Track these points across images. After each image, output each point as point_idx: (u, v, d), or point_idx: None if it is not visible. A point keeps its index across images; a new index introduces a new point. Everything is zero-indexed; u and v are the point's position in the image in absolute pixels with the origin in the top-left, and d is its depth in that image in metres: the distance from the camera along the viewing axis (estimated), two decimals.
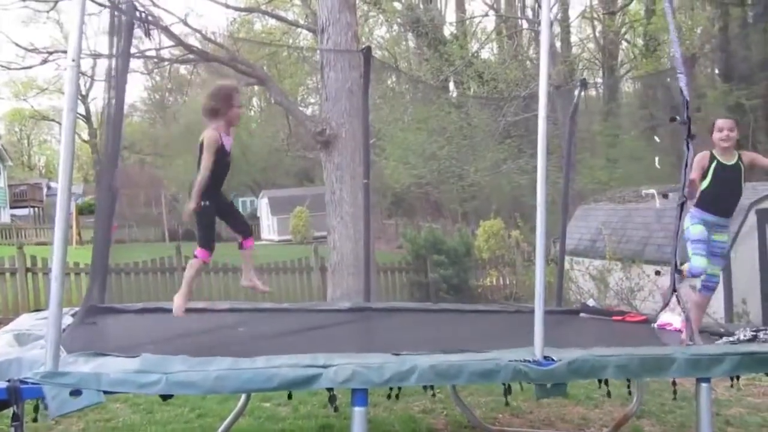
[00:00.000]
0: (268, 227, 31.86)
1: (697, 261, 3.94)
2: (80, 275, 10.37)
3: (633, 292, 9.41)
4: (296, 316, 4.72)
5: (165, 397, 2.71)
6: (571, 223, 11.42)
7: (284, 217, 29.56)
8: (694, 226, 4.01)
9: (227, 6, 13.78)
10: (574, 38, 29.08)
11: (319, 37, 9.11)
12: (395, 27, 26.34)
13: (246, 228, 4.01)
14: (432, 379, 2.71)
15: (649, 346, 3.39)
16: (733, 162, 4.01)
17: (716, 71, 20.76)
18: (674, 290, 3.81)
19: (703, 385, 3.18)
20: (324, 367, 2.59)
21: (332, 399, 2.79)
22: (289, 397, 2.85)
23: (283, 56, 31.70)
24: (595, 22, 28.67)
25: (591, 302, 5.67)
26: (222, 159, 3.66)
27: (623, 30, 27.54)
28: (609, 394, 3.65)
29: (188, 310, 3.99)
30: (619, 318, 5.01)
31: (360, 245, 8.23)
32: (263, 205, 32.52)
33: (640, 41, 27.57)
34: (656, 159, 3.95)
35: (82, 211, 29.76)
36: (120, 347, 2.79)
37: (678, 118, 3.87)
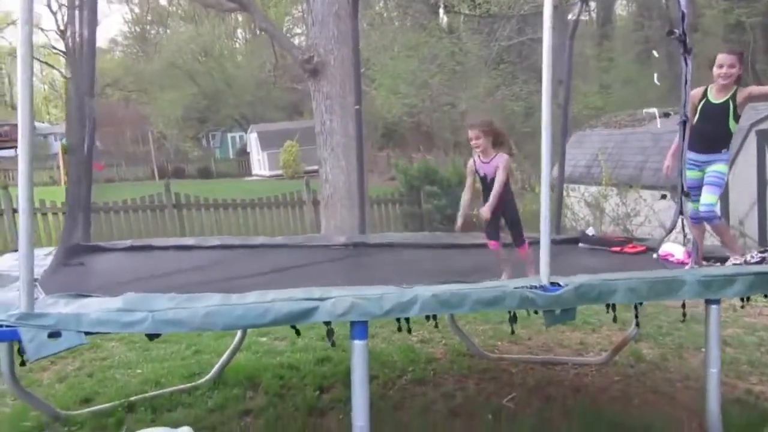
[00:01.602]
0: (259, 162, 31.47)
1: (692, 205, 3.89)
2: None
3: (629, 217, 9.33)
4: (290, 252, 4.57)
5: (152, 337, 2.58)
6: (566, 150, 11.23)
7: (274, 152, 29.15)
8: (689, 171, 3.89)
9: None
10: None
11: None
12: None
13: None
14: (434, 308, 2.57)
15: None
16: (722, 100, 3.83)
17: None
18: (681, 213, 3.67)
19: (713, 306, 3.08)
20: (320, 299, 2.45)
21: (330, 333, 2.66)
22: (297, 333, 2.69)
23: None
24: None
25: (590, 231, 5.53)
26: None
27: None
28: (615, 319, 3.56)
29: (177, 248, 3.84)
30: (618, 249, 4.91)
31: (352, 177, 8.05)
32: (253, 140, 32.02)
33: None
34: (655, 75, 3.73)
35: (67, 150, 29.19)
36: (104, 286, 2.64)
37: (676, 31, 3.65)
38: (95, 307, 2.34)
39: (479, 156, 3.67)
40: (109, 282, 3.01)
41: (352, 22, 5.06)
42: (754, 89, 3.89)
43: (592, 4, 25.09)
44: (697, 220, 3.91)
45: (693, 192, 3.90)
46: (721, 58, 3.82)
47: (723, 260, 3.82)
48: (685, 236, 3.64)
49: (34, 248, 2.29)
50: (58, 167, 25.32)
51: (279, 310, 2.40)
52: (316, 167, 9.75)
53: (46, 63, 39.90)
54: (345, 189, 8.32)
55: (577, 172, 10.77)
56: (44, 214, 10.41)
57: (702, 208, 3.79)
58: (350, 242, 4.73)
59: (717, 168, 3.84)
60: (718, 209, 3.90)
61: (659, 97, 11.81)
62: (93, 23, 4.30)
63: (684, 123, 3.73)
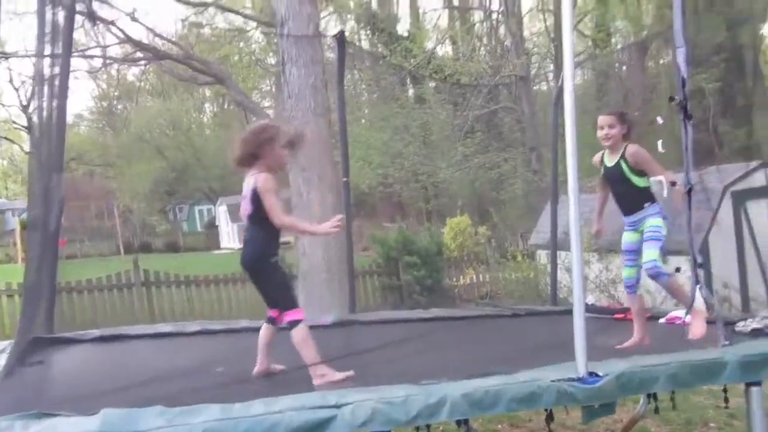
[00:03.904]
0: (228, 235, 30.98)
1: (625, 272, 3.96)
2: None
3: (614, 283, 9.18)
4: (277, 336, 4.18)
5: None
6: (543, 216, 11.16)
7: (245, 224, 28.73)
8: (626, 233, 3.96)
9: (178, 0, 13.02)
10: (525, 33, 29.12)
11: (279, 31, 8.61)
12: (350, 24, 25.88)
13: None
14: (466, 411, 2.24)
15: (688, 350, 3.01)
16: (615, 162, 3.83)
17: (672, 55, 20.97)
18: (697, 282, 3.48)
19: (754, 389, 2.82)
20: (337, 407, 2.10)
21: None
22: None
23: (234, 60, 30.94)
24: (547, 15, 28.79)
25: (590, 299, 5.32)
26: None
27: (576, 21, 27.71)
28: (657, 409, 3.26)
29: (153, 336, 3.44)
30: (621, 316, 4.68)
31: (332, 251, 7.77)
32: (221, 213, 31.61)
33: (590, 31, 27.85)
34: (659, 143, 3.65)
35: (26, 226, 28.25)
36: (74, 397, 2.22)
37: (677, 98, 3.62)
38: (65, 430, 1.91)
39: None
40: (79, 389, 2.56)
41: (338, 87, 4.90)
42: (639, 154, 3.81)
43: (550, 75, 26.04)
44: (632, 288, 3.88)
45: (630, 256, 3.89)
46: (601, 120, 3.86)
47: (734, 323, 3.63)
48: (708, 308, 3.45)
49: None
50: (15, 244, 24.39)
51: (290, 422, 2.02)
52: (288, 239, 9.45)
53: (6, 138, 39.31)
54: (324, 263, 8.00)
55: (558, 238, 10.66)
56: None
57: (646, 266, 3.71)
58: (340, 321, 4.40)
59: (651, 223, 3.79)
60: (661, 265, 3.79)
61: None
62: (63, 99, 4.04)
63: (690, 191, 3.63)
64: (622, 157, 3.79)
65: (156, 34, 9.31)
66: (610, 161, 3.87)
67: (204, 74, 8.68)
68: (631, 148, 3.80)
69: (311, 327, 4.47)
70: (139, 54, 8.17)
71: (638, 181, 3.80)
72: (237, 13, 19.05)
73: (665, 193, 3.86)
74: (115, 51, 9.89)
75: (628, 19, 24.64)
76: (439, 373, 2.53)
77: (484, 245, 13.13)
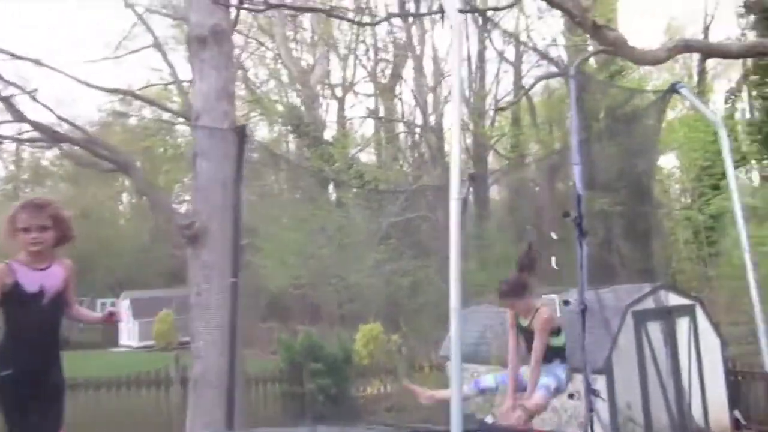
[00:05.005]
0: (128, 332, 29.13)
1: None
2: None
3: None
4: None
5: None
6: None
7: (148, 321, 27.17)
8: None
9: (93, 87, 12.73)
10: (447, 147, 30.60)
11: (193, 126, 8.48)
12: (276, 128, 26.33)
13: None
14: None
15: None
16: (526, 323, 3.90)
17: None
18: (591, 410, 3.33)
19: None
20: None
21: None
22: None
23: (159, 152, 30.61)
24: (467, 133, 30.42)
25: (489, 419, 5.08)
26: (19, 305, 2.67)
27: (493, 140, 29.37)
28: None
29: None
30: None
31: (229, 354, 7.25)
32: (123, 308, 29.88)
33: (505, 151, 29.52)
34: (553, 259, 3.62)
35: None
36: None
37: (572, 213, 3.64)
38: None
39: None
40: None
41: (235, 183, 4.70)
42: (539, 322, 3.80)
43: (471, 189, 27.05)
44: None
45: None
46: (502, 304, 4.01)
47: None
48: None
49: None
50: None
51: None
52: (186, 339, 8.84)
53: None
54: (218, 368, 7.43)
55: (466, 350, 10.50)
56: None
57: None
58: None
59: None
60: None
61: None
62: None
63: (583, 311, 3.60)
64: (533, 319, 3.85)
65: (59, 117, 8.91)
66: (522, 321, 3.96)
67: (109, 161, 8.30)
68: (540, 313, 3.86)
69: None
70: (36, 134, 7.77)
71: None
72: (160, 107, 18.95)
73: (558, 312, 3.80)
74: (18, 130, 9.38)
75: (539, 143, 26.40)
76: None
77: (393, 353, 12.79)
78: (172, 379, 10.50)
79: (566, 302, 3.53)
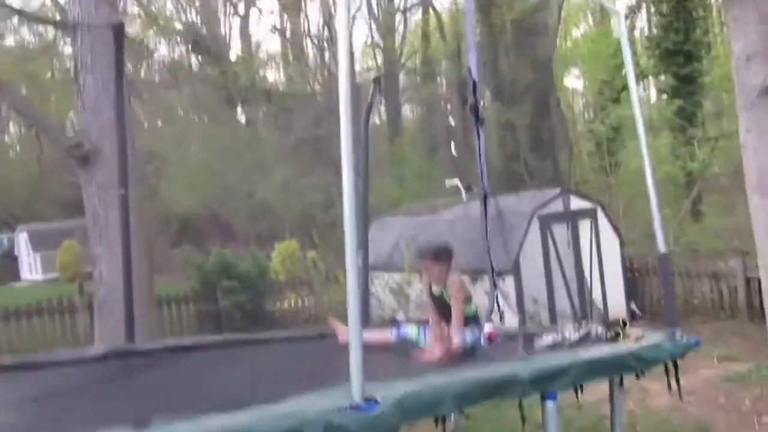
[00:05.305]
0: (30, 266, 27.60)
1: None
2: None
3: None
4: (32, 377, 3.45)
5: None
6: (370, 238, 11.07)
7: (49, 253, 25.75)
8: None
9: None
10: (357, 67, 29.87)
11: (72, 36, 7.61)
12: (178, 49, 24.65)
13: None
14: None
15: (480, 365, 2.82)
16: (439, 291, 3.72)
17: (487, 92, 22.55)
18: (495, 286, 3.38)
19: (548, 402, 2.69)
20: None
21: None
22: None
23: (47, 78, 28.09)
24: (377, 51, 29.80)
25: (400, 316, 5.14)
26: None
27: (403, 59, 28.94)
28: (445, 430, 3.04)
29: None
30: None
31: (132, 275, 6.93)
32: (22, 241, 28.14)
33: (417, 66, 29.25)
34: (452, 144, 3.53)
35: None
36: None
37: (469, 99, 3.60)
38: None
39: None
40: None
41: (116, 85, 4.27)
42: (455, 291, 3.71)
43: (382, 108, 26.86)
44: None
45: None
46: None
47: (532, 336, 3.58)
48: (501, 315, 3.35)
49: None
50: None
51: None
52: (88, 269, 8.39)
53: None
54: (121, 291, 7.11)
55: (381, 259, 10.60)
56: None
57: None
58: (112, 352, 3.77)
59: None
60: None
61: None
62: None
63: (485, 197, 3.58)
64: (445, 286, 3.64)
65: None
66: (437, 291, 3.73)
67: None
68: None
69: (81, 361, 3.78)
70: None
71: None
72: (40, 20, 17.08)
73: (464, 196, 3.72)
74: None
75: (448, 58, 26.23)
76: (196, 407, 2.06)
77: (310, 269, 12.79)
78: (78, 308, 10.07)
79: (469, 188, 3.47)
